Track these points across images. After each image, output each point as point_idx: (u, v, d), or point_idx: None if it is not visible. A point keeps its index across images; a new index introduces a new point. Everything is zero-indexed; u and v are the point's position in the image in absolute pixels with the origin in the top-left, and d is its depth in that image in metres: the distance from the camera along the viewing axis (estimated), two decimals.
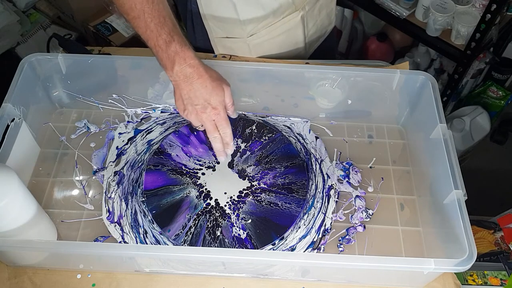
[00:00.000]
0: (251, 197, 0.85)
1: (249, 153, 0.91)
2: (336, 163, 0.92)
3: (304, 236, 0.82)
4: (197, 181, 0.87)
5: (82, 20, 1.76)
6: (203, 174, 0.88)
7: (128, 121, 0.97)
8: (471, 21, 1.41)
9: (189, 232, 0.81)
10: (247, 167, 0.89)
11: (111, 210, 0.85)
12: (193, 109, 0.79)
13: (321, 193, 0.87)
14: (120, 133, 0.95)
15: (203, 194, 0.86)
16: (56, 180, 0.89)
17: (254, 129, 0.95)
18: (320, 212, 0.85)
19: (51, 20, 1.87)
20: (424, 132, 0.87)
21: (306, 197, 0.85)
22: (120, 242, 0.81)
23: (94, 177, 0.89)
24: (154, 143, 0.94)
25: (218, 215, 0.83)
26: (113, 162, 0.91)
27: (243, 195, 0.86)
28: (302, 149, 0.93)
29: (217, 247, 0.79)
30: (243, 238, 0.81)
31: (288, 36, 1.01)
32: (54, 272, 0.79)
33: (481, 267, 1.13)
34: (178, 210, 0.83)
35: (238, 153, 0.91)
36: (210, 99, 0.79)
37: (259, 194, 0.86)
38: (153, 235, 0.82)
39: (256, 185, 0.87)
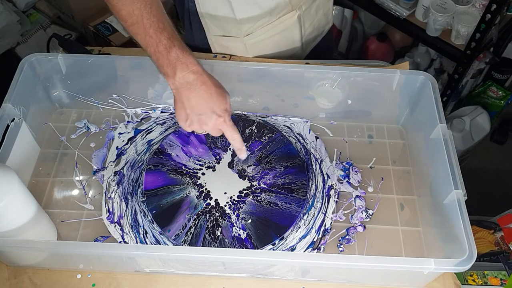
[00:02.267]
0: (251, 197, 0.85)
1: (249, 153, 0.91)
2: (336, 163, 0.92)
3: (304, 236, 0.82)
4: (197, 181, 0.87)
5: (82, 20, 1.76)
6: (203, 174, 0.88)
7: (128, 121, 0.97)
8: (471, 21, 1.41)
9: (189, 232, 0.81)
10: (247, 167, 0.89)
11: (111, 210, 0.85)
12: (197, 119, 0.75)
13: (321, 193, 0.87)
14: (120, 133, 0.95)
15: (203, 194, 0.86)
16: (56, 180, 0.89)
17: (254, 129, 0.95)
18: (320, 212, 0.85)
19: (51, 20, 1.87)
20: (424, 132, 0.87)
21: (306, 197, 0.85)
22: (120, 242, 0.81)
23: (94, 177, 0.89)
24: (154, 143, 0.94)
25: (218, 215, 0.83)
26: (113, 162, 0.91)
27: (243, 195, 0.86)
28: (302, 149, 0.93)
29: (217, 247, 0.79)
30: (243, 238, 0.81)
31: (285, 35, 1.01)
32: (54, 272, 0.79)
33: (481, 267, 1.13)
34: (178, 210, 0.83)
35: None
36: (214, 107, 0.74)
37: (259, 194, 0.86)
38: (153, 235, 0.82)
39: (256, 185, 0.87)
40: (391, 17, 1.57)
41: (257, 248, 0.80)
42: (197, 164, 0.90)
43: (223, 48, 1.02)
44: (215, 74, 0.92)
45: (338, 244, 0.82)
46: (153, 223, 0.82)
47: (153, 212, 0.83)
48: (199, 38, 1.02)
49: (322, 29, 1.10)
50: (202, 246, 0.80)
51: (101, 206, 0.85)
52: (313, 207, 0.85)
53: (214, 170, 0.89)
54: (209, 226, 0.82)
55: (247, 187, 0.87)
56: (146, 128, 0.96)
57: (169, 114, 0.99)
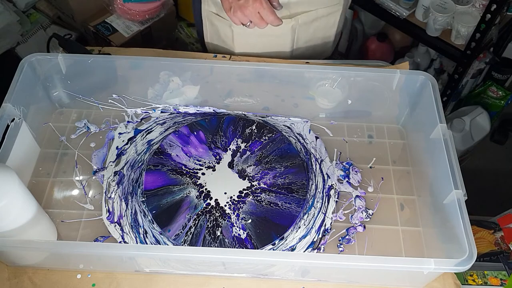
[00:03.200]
0: (251, 197, 0.85)
1: (249, 153, 0.91)
2: (336, 163, 0.92)
3: (304, 236, 0.82)
4: (197, 181, 0.87)
5: (82, 20, 1.76)
6: (203, 174, 0.88)
7: (128, 121, 0.97)
8: (471, 21, 1.41)
9: (189, 232, 0.81)
10: (247, 167, 0.89)
11: (111, 210, 0.85)
12: (237, 5, 0.84)
13: (321, 193, 0.87)
14: (120, 133, 0.95)
15: (203, 194, 0.86)
16: (56, 180, 0.89)
17: (254, 129, 0.95)
18: (320, 212, 0.85)
19: (51, 20, 1.87)
20: (424, 132, 0.87)
21: (306, 197, 0.85)
22: (120, 242, 0.81)
23: (94, 177, 0.89)
24: (154, 143, 0.94)
25: (218, 215, 0.83)
26: (113, 162, 0.91)
27: (243, 195, 0.86)
28: (302, 149, 0.93)
29: (217, 247, 0.79)
30: (243, 238, 0.81)
31: (275, 41, 1.01)
32: (54, 272, 0.79)
33: (481, 267, 1.13)
34: (178, 210, 0.83)
35: (238, 153, 0.91)
36: None
37: (259, 194, 0.86)
38: (153, 235, 0.82)
39: (256, 185, 0.87)
40: (391, 17, 1.57)
41: (257, 248, 0.80)
42: (197, 164, 0.90)
43: (213, 28, 1.03)
44: (215, 74, 0.93)
45: (338, 244, 0.82)
46: (153, 223, 0.82)
47: (153, 212, 0.83)
48: (196, 11, 1.03)
49: (318, 55, 1.10)
50: (202, 246, 0.80)
51: (101, 206, 0.85)
52: (313, 207, 0.86)
53: (214, 170, 0.89)
54: (209, 226, 0.82)
55: (247, 187, 0.87)
56: (146, 128, 0.96)
57: (169, 114, 0.99)
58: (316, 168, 0.91)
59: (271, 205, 0.84)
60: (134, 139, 0.94)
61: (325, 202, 0.87)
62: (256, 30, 0.96)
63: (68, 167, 0.91)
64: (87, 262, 0.78)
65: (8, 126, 0.81)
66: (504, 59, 1.84)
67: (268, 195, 0.86)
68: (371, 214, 0.86)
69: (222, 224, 0.82)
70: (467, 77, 1.75)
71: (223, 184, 0.87)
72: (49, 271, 0.79)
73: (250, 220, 0.83)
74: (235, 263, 0.75)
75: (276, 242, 0.81)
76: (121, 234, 0.82)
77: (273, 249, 0.80)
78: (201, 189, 0.86)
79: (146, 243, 0.81)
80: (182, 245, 0.80)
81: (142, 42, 1.70)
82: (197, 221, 0.82)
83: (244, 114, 0.98)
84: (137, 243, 0.81)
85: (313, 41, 1.05)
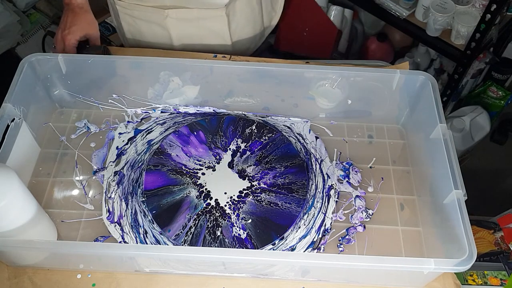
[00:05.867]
0: (251, 197, 0.85)
1: (249, 153, 0.91)
2: (336, 163, 0.92)
3: (304, 236, 0.82)
4: (197, 181, 0.87)
5: None
6: (203, 174, 0.88)
7: (128, 121, 0.97)
8: (471, 21, 1.41)
9: (189, 232, 0.81)
10: (247, 167, 0.89)
11: (111, 210, 0.85)
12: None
13: (321, 193, 0.87)
14: (120, 133, 0.95)
15: (203, 194, 0.86)
16: (56, 180, 0.89)
17: (254, 129, 0.95)
18: (320, 212, 0.85)
19: (51, 20, 1.87)
20: (424, 132, 0.87)
21: (306, 197, 0.85)
22: (120, 242, 0.81)
23: (94, 177, 0.89)
24: (154, 143, 0.94)
25: (218, 215, 0.83)
26: (113, 162, 0.91)
27: (243, 195, 0.86)
28: (302, 149, 0.93)
29: (217, 247, 0.79)
30: (243, 238, 0.81)
31: (213, 32, 1.03)
32: (54, 272, 0.79)
33: (481, 267, 1.13)
34: (178, 210, 0.83)
35: (238, 153, 0.91)
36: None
37: (259, 194, 0.86)
38: (153, 235, 0.82)
39: (256, 185, 0.87)
40: (391, 17, 1.57)
41: (257, 248, 0.80)
42: (197, 164, 0.90)
43: (132, 30, 1.08)
44: (215, 74, 0.93)
45: (338, 244, 0.82)
46: (153, 223, 0.82)
47: (153, 212, 0.83)
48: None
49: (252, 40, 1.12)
50: (202, 246, 0.80)
51: (101, 206, 0.85)
52: (313, 207, 0.86)
53: (214, 170, 0.89)
54: (209, 226, 0.82)
55: (247, 187, 0.87)
56: (146, 128, 0.96)
57: (169, 114, 0.99)
58: (316, 168, 0.91)
59: (271, 205, 0.84)
60: (134, 139, 0.94)
61: (325, 202, 0.87)
62: (190, 13, 0.98)
63: (68, 167, 0.91)
64: (87, 262, 0.78)
65: (8, 126, 0.81)
66: (504, 59, 1.84)
67: (268, 195, 0.86)
68: (371, 214, 0.86)
69: (222, 224, 0.82)
70: (467, 77, 1.75)
71: (223, 184, 0.87)
72: (49, 271, 0.79)
73: (250, 220, 0.83)
74: (235, 263, 0.75)
75: (276, 242, 0.81)
76: (121, 234, 0.82)
77: (273, 249, 0.80)
78: (201, 189, 0.86)
79: (146, 243, 0.81)
80: (182, 245, 0.80)
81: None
82: (197, 221, 0.82)
83: (244, 114, 0.98)
84: (137, 243, 0.81)
85: (242, 24, 1.07)
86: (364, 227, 0.84)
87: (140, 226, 0.83)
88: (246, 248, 0.79)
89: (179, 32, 1.03)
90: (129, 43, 1.11)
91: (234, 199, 0.85)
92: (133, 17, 1.04)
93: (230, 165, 0.90)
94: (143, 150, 0.92)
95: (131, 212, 0.84)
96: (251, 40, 1.12)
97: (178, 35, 1.04)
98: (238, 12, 1.03)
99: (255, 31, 1.12)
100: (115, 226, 0.83)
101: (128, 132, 0.95)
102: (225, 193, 0.86)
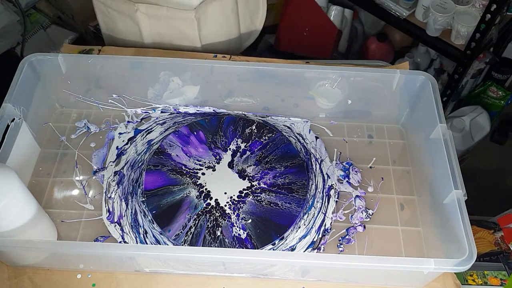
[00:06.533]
0: (251, 197, 0.85)
1: (249, 153, 0.91)
2: (336, 163, 0.92)
3: (304, 236, 0.82)
4: (197, 181, 0.87)
5: (82, 20, 1.76)
6: (203, 174, 0.88)
7: (128, 121, 0.97)
8: (471, 21, 1.41)
9: (189, 232, 0.81)
10: (247, 167, 0.89)
11: (111, 210, 0.85)
12: None
13: (321, 193, 0.88)
14: (120, 133, 0.95)
15: (203, 194, 0.86)
16: (56, 180, 0.89)
17: (254, 129, 0.95)
18: (320, 212, 0.85)
19: (51, 20, 1.87)
20: (424, 132, 0.87)
21: (306, 197, 0.85)
22: (120, 242, 0.81)
23: (94, 177, 0.89)
24: (154, 143, 0.94)
25: (218, 215, 0.83)
26: (113, 162, 0.91)
27: (243, 195, 0.86)
28: (302, 149, 0.93)
29: (217, 247, 0.79)
30: (243, 238, 0.81)
31: (183, 34, 1.02)
32: (54, 272, 0.79)
33: (481, 267, 1.13)
34: (178, 210, 0.83)
35: (238, 153, 0.91)
36: None
37: (259, 194, 0.86)
38: (153, 235, 0.82)
39: (256, 185, 0.87)
40: (391, 17, 1.57)
41: (257, 248, 0.80)
42: (197, 164, 0.90)
43: (106, 20, 1.08)
44: (215, 74, 0.93)
45: (338, 244, 0.82)
46: (153, 223, 0.82)
47: (153, 212, 0.83)
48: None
49: (227, 49, 1.10)
50: (202, 246, 0.80)
51: (101, 206, 0.85)
52: (313, 207, 0.86)
53: (214, 170, 0.89)
54: (209, 226, 0.82)
55: (247, 187, 0.87)
56: (146, 128, 0.96)
57: (169, 114, 0.99)
58: (316, 168, 0.91)
59: (271, 205, 0.84)
60: (134, 139, 0.94)
61: (325, 202, 0.87)
62: (159, 10, 0.97)
63: (68, 167, 0.91)
64: (87, 262, 0.78)
65: (8, 126, 0.81)
66: (504, 59, 1.84)
67: (268, 195, 0.86)
68: (371, 214, 0.86)
69: (222, 224, 0.82)
70: (467, 77, 1.75)
71: (223, 184, 0.87)
72: (49, 271, 0.79)
73: (250, 220, 0.83)
74: (235, 263, 0.75)
75: (276, 242, 0.81)
76: (121, 234, 0.82)
77: (273, 249, 0.80)
78: (201, 189, 0.86)
79: (146, 243, 0.81)
80: (182, 245, 0.80)
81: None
82: (197, 221, 0.82)
83: (244, 114, 0.98)
84: (137, 243, 0.81)
85: (249, 13, 1.06)
86: (364, 227, 0.84)
87: (140, 226, 0.83)
88: (246, 248, 0.79)
89: (150, 29, 1.03)
90: (106, 38, 1.11)
91: (234, 199, 0.85)
92: (106, 5, 1.03)
93: (230, 165, 0.90)
94: (143, 150, 0.93)
95: (131, 212, 0.84)
96: (225, 49, 1.11)
97: (148, 32, 1.03)
98: (210, 17, 1.02)
99: (230, 41, 1.10)
100: (115, 226, 0.83)
101: (128, 132, 0.95)
102: (225, 193, 0.86)
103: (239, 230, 0.81)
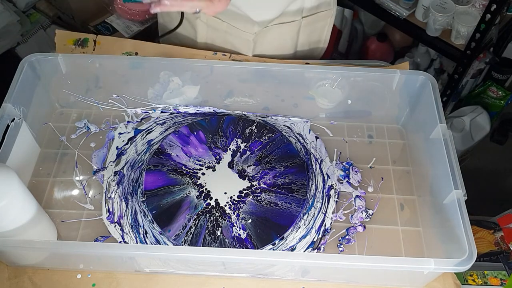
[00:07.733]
0: (251, 197, 0.85)
1: (249, 153, 0.91)
2: (336, 163, 0.92)
3: (304, 236, 0.82)
4: (197, 181, 0.87)
5: (82, 20, 1.76)
6: (203, 174, 0.88)
7: (128, 121, 0.97)
8: (471, 21, 1.41)
9: (189, 232, 0.81)
10: (247, 167, 0.89)
11: (111, 210, 0.85)
12: None
13: (321, 193, 0.88)
14: (120, 133, 0.95)
15: (203, 194, 0.86)
16: (56, 180, 0.89)
17: (254, 129, 0.95)
18: (320, 212, 0.85)
19: (51, 20, 1.87)
20: (424, 132, 0.87)
21: (306, 197, 0.85)
22: (120, 242, 0.81)
23: (94, 177, 0.89)
24: (154, 143, 0.94)
25: (218, 215, 0.83)
26: (113, 162, 0.91)
27: (243, 195, 0.86)
28: (302, 149, 0.93)
29: (217, 247, 0.79)
30: (243, 238, 0.81)
31: (236, 50, 1.02)
32: (54, 272, 0.79)
33: (481, 267, 1.13)
34: (178, 210, 0.83)
35: (238, 153, 0.91)
36: None
37: (259, 194, 0.86)
38: (153, 235, 0.82)
39: (256, 185, 0.87)
40: (391, 17, 1.57)
41: (257, 248, 0.80)
42: (197, 164, 0.90)
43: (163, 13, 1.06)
44: (215, 74, 0.93)
45: (338, 244, 0.82)
46: (153, 223, 0.82)
47: (153, 212, 0.83)
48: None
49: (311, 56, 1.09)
50: (202, 246, 0.80)
51: (101, 206, 0.85)
52: (313, 207, 0.86)
53: (214, 170, 0.89)
54: (209, 226, 0.82)
55: (247, 187, 0.87)
56: (146, 128, 0.96)
57: (169, 114, 0.99)
58: (316, 168, 0.91)
59: (271, 205, 0.84)
60: (134, 139, 0.94)
61: (325, 202, 0.87)
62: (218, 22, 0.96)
63: (68, 167, 0.91)
64: (87, 262, 0.78)
65: (8, 126, 0.81)
66: (504, 59, 1.84)
67: (268, 195, 0.86)
68: (371, 214, 0.86)
69: (222, 224, 0.82)
70: (467, 77, 1.75)
71: (223, 184, 0.87)
72: (49, 271, 0.79)
73: (250, 220, 0.83)
74: (235, 263, 0.75)
75: (276, 242, 0.81)
76: (121, 234, 0.82)
77: (273, 249, 0.80)
78: (201, 189, 0.86)
79: (146, 243, 0.81)
80: (182, 245, 0.80)
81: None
82: (197, 221, 0.82)
83: (244, 114, 0.98)
84: (137, 243, 0.81)
85: (308, 43, 1.06)
86: (364, 227, 0.84)
87: (140, 226, 0.83)
88: (246, 248, 0.79)
89: (206, 36, 1.02)
90: (160, 28, 1.10)
91: (234, 199, 0.85)
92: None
93: (230, 165, 0.90)
94: (143, 150, 0.92)
95: (131, 212, 0.84)
96: None
97: (203, 37, 1.03)
98: (266, 41, 1.01)
99: (282, 57, 1.09)
100: (115, 226, 0.83)
101: (128, 132, 0.95)
102: (225, 193, 0.86)
103: (239, 230, 0.81)
